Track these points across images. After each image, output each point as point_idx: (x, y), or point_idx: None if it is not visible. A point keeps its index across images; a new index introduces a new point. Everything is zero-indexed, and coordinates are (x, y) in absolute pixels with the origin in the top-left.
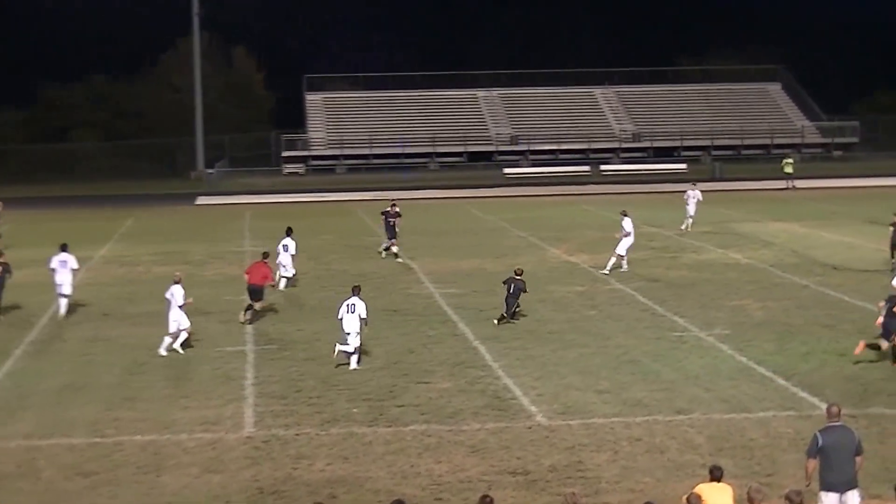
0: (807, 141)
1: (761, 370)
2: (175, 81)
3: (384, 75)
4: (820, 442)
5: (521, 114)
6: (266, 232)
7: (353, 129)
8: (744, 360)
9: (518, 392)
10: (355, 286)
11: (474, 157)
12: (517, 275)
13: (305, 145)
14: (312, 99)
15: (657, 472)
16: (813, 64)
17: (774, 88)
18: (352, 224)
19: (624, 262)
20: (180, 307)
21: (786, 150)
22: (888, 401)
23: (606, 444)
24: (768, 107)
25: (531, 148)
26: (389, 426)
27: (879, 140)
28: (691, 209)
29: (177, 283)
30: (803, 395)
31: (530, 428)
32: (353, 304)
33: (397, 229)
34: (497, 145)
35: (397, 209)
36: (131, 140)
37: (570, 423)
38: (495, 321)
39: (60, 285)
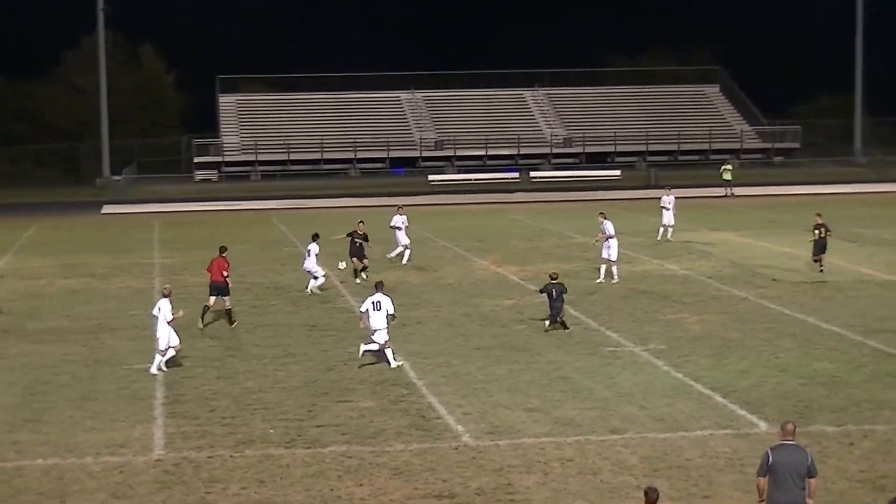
0: (746, 146)
1: (698, 387)
2: (79, 82)
3: (302, 76)
4: (770, 459)
5: (446, 117)
6: (177, 242)
7: (269, 134)
8: (680, 376)
9: (443, 411)
10: (378, 282)
11: (397, 162)
12: (553, 279)
13: (218, 150)
14: (226, 101)
15: (590, 495)
16: (752, 65)
17: (713, 91)
18: (268, 234)
19: (615, 269)
20: (168, 322)
21: (724, 156)
22: (830, 418)
23: (536, 466)
24: (706, 110)
25: (457, 153)
26: (308, 447)
27: (822, 145)
28: (668, 217)
29: (165, 296)
30: (742, 412)
31: (456, 449)
32: (379, 301)
33: (365, 252)
34: (421, 151)
35: (362, 231)
36: (32, 144)
37: (499, 443)
38: (546, 327)
39: None
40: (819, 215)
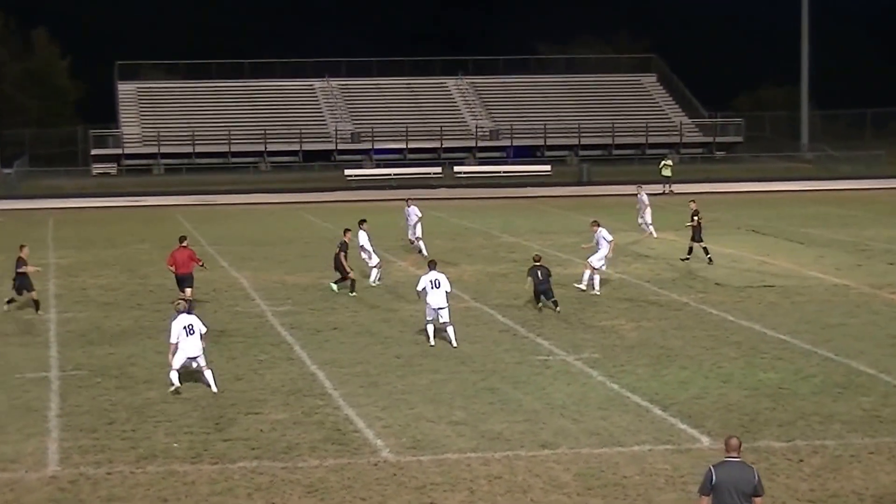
0: (686, 140)
1: (635, 399)
2: None
3: (208, 62)
4: (714, 478)
5: (363, 108)
6: (73, 241)
7: (173, 124)
8: (616, 387)
9: (361, 424)
10: (431, 261)
11: (311, 156)
12: (537, 261)
13: (117, 142)
14: (125, 89)
15: None
16: (691, 54)
17: (649, 80)
18: (171, 231)
19: (597, 279)
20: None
21: (663, 150)
22: (778, 432)
23: (462, 483)
24: (642, 101)
25: (375, 146)
26: (215, 463)
27: (766, 139)
28: (647, 216)
29: (181, 312)
30: (682, 426)
31: (376, 464)
32: (438, 280)
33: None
34: (337, 143)
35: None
36: None
37: (421, 458)
38: (539, 305)
39: None
40: (693, 202)
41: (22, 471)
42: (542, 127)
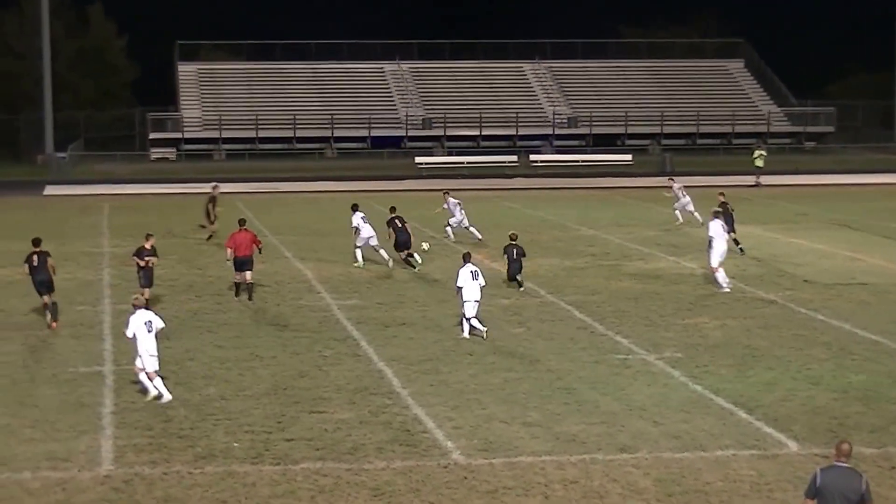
0: (774, 129)
1: (719, 401)
2: (17, 46)
3: (272, 43)
4: (818, 481)
5: (435, 92)
6: (129, 229)
7: (235, 108)
8: (698, 388)
9: (431, 424)
10: (466, 253)
11: (380, 142)
12: (512, 239)
13: (177, 126)
14: (186, 70)
15: None
16: (781, 39)
17: (736, 66)
18: (233, 221)
19: (720, 274)
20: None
21: (749, 141)
22: (868, 438)
23: (535, 488)
24: (729, 88)
25: (447, 133)
26: (277, 464)
27: (858, 129)
28: (689, 206)
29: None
30: (768, 430)
31: (445, 467)
32: (477, 271)
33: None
34: (407, 129)
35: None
36: None
37: (493, 461)
38: (509, 285)
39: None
40: (722, 194)
41: (74, 469)
42: (623, 114)
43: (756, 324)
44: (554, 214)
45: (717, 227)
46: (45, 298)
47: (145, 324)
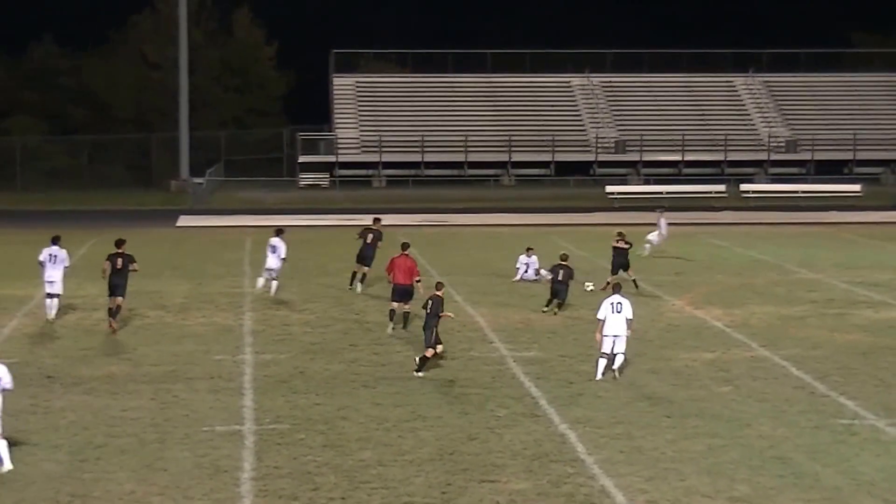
0: None
1: None
2: (151, 55)
3: (441, 52)
4: None
5: (631, 111)
6: None
7: (398, 128)
8: None
9: (621, 498)
10: (616, 284)
11: (564, 169)
12: (563, 260)
13: (330, 148)
14: (342, 84)
15: None
16: None
17: None
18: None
19: None
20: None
21: None
22: None
23: None
24: None
25: (644, 158)
26: None
27: None
28: (655, 238)
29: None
30: None
31: None
32: (620, 303)
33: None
34: (597, 154)
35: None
36: (88, 134)
37: None
38: (543, 308)
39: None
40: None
41: None
42: (852, 136)
43: None
44: (769, 254)
45: None
46: (118, 300)
47: None
